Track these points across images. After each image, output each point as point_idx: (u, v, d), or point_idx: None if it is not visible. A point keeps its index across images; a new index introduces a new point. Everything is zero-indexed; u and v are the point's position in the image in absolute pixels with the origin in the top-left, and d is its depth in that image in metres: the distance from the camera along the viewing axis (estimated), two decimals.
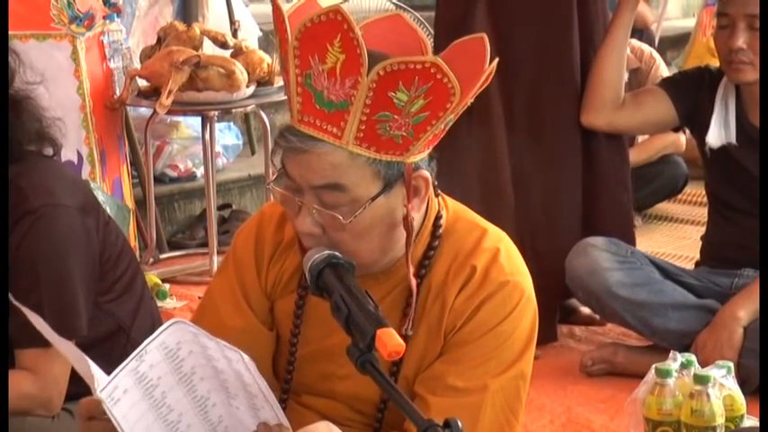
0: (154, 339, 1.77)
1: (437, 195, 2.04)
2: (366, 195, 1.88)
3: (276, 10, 1.89)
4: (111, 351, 2.42)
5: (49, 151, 2.53)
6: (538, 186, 3.80)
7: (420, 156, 1.92)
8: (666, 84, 3.84)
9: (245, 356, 1.82)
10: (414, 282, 1.97)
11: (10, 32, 2.59)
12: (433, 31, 4.08)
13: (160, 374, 1.80)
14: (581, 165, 3.81)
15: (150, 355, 1.77)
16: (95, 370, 1.74)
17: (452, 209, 2.07)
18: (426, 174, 1.94)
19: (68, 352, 1.83)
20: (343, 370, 2.01)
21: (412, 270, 1.97)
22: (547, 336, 3.77)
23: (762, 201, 3.37)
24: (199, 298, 4.23)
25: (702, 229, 3.86)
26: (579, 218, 3.83)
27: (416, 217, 1.97)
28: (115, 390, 1.74)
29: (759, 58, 3.45)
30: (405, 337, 1.96)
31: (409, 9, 4.43)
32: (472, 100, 1.90)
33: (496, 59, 1.89)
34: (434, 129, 1.88)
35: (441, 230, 2.02)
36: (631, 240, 3.88)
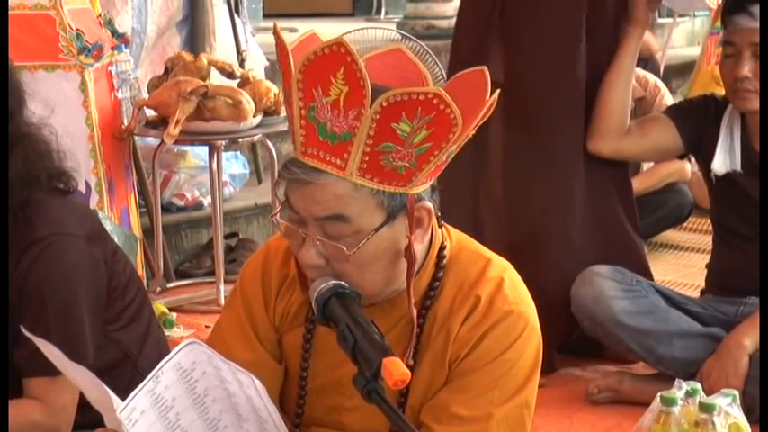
0: (170, 360, 1.79)
1: (441, 226, 2.05)
2: (369, 226, 1.90)
3: (279, 44, 1.91)
4: (117, 380, 2.41)
5: (63, 185, 2.53)
6: (540, 214, 3.81)
7: (423, 187, 1.93)
8: (672, 111, 3.85)
9: (257, 381, 1.84)
10: (414, 312, 1.98)
11: (19, 63, 2.60)
12: (437, 60, 4.10)
13: (175, 395, 1.82)
14: (584, 193, 3.82)
15: (166, 375, 1.79)
16: (110, 393, 1.75)
17: (456, 239, 2.08)
18: (429, 205, 1.95)
19: (82, 378, 1.84)
20: (351, 402, 2.03)
21: (413, 300, 1.98)
22: (548, 365, 3.78)
23: (762, 225, 3.37)
24: (206, 327, 4.24)
25: (707, 258, 3.86)
26: (580, 246, 3.83)
27: (420, 248, 1.98)
28: (133, 411, 1.75)
29: (759, 80, 3.46)
30: (411, 367, 1.97)
31: (414, 39, 4.46)
32: (474, 131, 1.91)
33: (497, 91, 1.91)
34: (437, 160, 1.89)
35: (445, 261, 2.03)
36: (643, 270, 3.88)
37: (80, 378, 1.86)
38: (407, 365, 1.96)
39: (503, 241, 3.74)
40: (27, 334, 1.90)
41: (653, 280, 3.89)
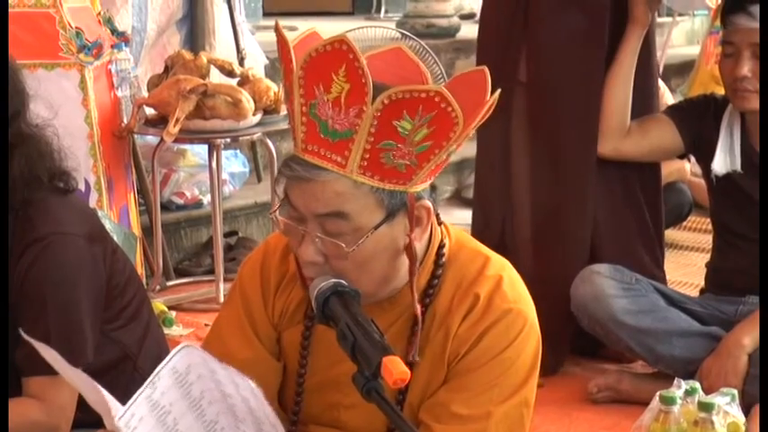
0: (165, 364, 1.79)
1: (440, 224, 2.06)
2: (369, 224, 1.90)
3: (281, 41, 1.91)
4: (117, 379, 2.43)
5: (64, 184, 2.53)
6: (554, 220, 3.81)
7: (422, 186, 1.93)
8: (672, 111, 3.85)
9: (253, 384, 1.83)
10: (419, 308, 1.98)
11: (18, 62, 2.60)
12: (437, 59, 4.13)
13: (172, 400, 1.82)
14: (596, 195, 3.81)
15: (162, 381, 1.79)
16: (109, 398, 1.75)
17: (455, 237, 2.08)
18: (428, 204, 1.95)
19: (79, 381, 1.84)
20: (349, 399, 2.02)
21: (416, 298, 1.98)
22: (557, 364, 3.79)
23: (762, 225, 3.37)
24: (205, 325, 4.24)
25: (707, 257, 3.86)
26: (589, 246, 3.83)
27: (419, 246, 1.98)
28: (132, 418, 1.75)
29: (759, 80, 3.46)
30: (411, 364, 1.97)
31: (414, 38, 4.47)
32: (474, 132, 1.91)
33: (498, 90, 1.91)
34: (437, 158, 1.89)
35: (444, 259, 2.04)
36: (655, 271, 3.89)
37: (78, 381, 1.86)
38: (413, 362, 1.97)
39: (525, 236, 3.76)
40: (25, 336, 1.89)
41: (665, 283, 3.89)
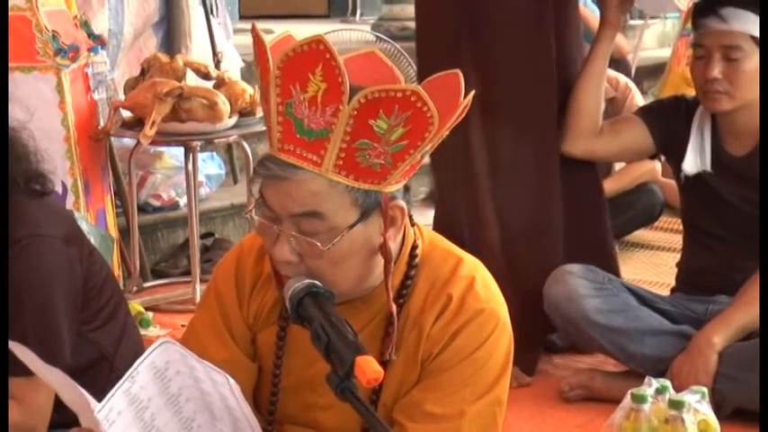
0: (144, 359, 1.79)
1: (413, 225, 2.07)
2: (344, 223, 1.91)
3: (258, 41, 1.92)
4: (95, 380, 2.43)
5: (40, 187, 2.55)
6: (521, 221, 3.83)
7: (396, 186, 1.95)
8: (643, 112, 3.87)
9: (231, 380, 1.85)
10: (394, 307, 1.99)
11: None
12: (411, 61, 4.12)
13: (150, 395, 1.82)
14: (562, 197, 3.84)
15: (141, 375, 1.79)
16: (86, 395, 1.77)
17: (428, 238, 2.10)
18: (402, 204, 1.96)
19: (55, 380, 1.85)
20: (325, 400, 2.03)
21: (392, 296, 1.99)
22: (534, 365, 3.81)
23: (762, 225, 3.39)
24: (182, 326, 4.24)
25: (678, 256, 3.89)
26: (561, 248, 3.85)
27: (393, 247, 1.99)
28: (110, 411, 1.76)
29: (759, 80, 3.49)
30: (385, 363, 1.98)
31: (389, 40, 4.48)
32: (447, 133, 1.94)
33: (472, 92, 1.93)
34: (412, 159, 1.90)
35: (417, 260, 2.05)
36: (613, 269, 3.92)
37: (54, 379, 1.87)
38: (387, 362, 1.99)
39: (493, 236, 3.77)
40: None
41: (620, 279, 3.93)
